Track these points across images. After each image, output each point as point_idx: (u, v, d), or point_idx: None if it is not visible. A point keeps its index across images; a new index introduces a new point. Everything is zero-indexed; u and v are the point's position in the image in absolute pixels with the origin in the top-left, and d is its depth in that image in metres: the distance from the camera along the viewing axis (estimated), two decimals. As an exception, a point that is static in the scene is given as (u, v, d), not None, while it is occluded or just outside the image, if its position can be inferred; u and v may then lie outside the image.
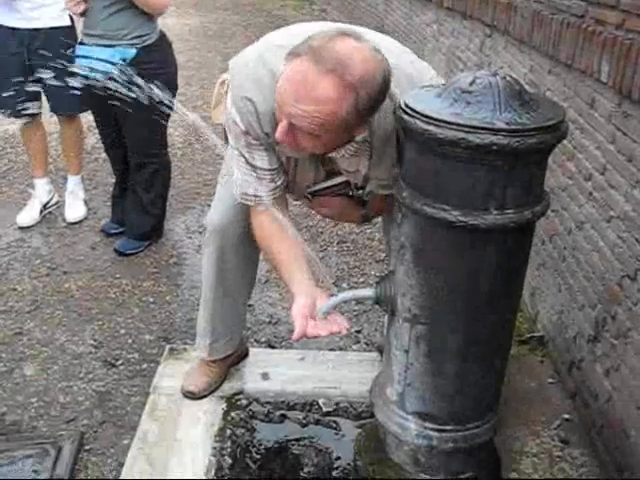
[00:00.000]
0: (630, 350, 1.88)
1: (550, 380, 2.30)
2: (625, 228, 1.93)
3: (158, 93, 3.05)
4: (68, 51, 3.13)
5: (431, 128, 1.36)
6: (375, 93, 1.44)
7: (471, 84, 1.41)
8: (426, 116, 1.38)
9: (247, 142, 1.68)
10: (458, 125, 1.34)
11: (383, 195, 1.80)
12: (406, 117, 1.42)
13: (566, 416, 2.13)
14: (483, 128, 1.33)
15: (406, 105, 1.45)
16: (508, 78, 1.43)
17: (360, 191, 1.80)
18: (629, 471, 1.84)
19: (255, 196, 1.74)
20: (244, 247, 2.02)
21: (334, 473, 2.05)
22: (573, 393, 2.22)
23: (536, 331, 2.63)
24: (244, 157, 1.71)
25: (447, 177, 1.42)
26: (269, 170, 1.72)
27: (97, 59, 2.95)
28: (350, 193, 1.83)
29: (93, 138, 4.46)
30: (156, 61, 3.01)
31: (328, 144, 1.55)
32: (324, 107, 1.41)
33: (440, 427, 1.69)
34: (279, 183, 1.75)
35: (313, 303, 1.60)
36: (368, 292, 1.69)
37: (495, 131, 1.33)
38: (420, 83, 1.59)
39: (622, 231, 1.95)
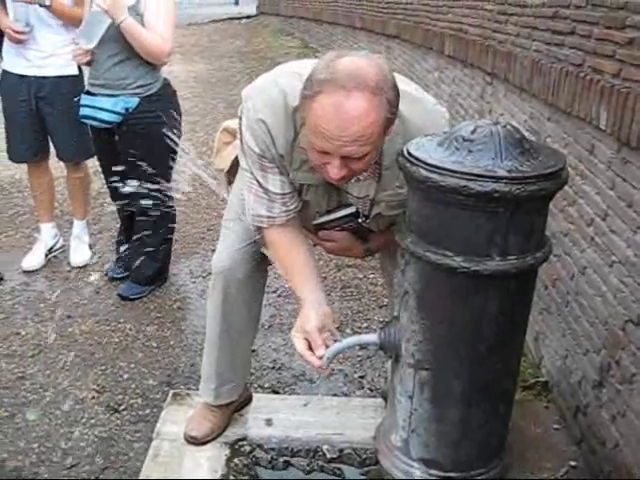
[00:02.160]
0: (636, 396, 1.87)
1: (555, 426, 2.28)
2: (627, 273, 1.94)
3: (161, 140, 3.13)
4: (76, 99, 3.20)
5: (433, 176, 1.39)
6: (394, 86, 1.49)
7: (472, 133, 1.44)
8: (428, 164, 1.41)
9: (261, 166, 1.72)
10: (460, 173, 1.37)
11: (384, 229, 1.84)
12: (409, 165, 1.45)
13: (573, 463, 2.10)
14: (485, 176, 1.36)
15: (409, 153, 1.48)
16: (509, 127, 1.47)
17: (367, 220, 1.82)
18: (637, 520, 1.82)
19: (268, 217, 1.79)
20: (249, 289, 2.06)
21: (338, 521, 2.03)
22: (579, 439, 2.20)
23: (540, 376, 2.62)
24: (257, 180, 1.76)
25: (450, 224, 1.44)
26: (281, 194, 1.76)
27: (100, 108, 3.01)
28: (355, 225, 1.85)
29: (99, 183, 4.50)
30: (159, 110, 3.06)
31: (372, 157, 1.57)
32: (366, 121, 1.45)
33: (445, 474, 1.67)
34: (291, 207, 1.79)
35: (322, 322, 1.70)
36: (372, 338, 1.70)
37: (496, 179, 1.36)
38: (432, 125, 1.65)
39: (624, 276, 1.96)
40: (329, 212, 1.84)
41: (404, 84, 1.60)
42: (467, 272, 1.42)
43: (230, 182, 2.15)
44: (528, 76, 2.78)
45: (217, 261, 2.06)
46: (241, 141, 1.76)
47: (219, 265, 2.05)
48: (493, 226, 1.41)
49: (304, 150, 1.64)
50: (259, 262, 2.01)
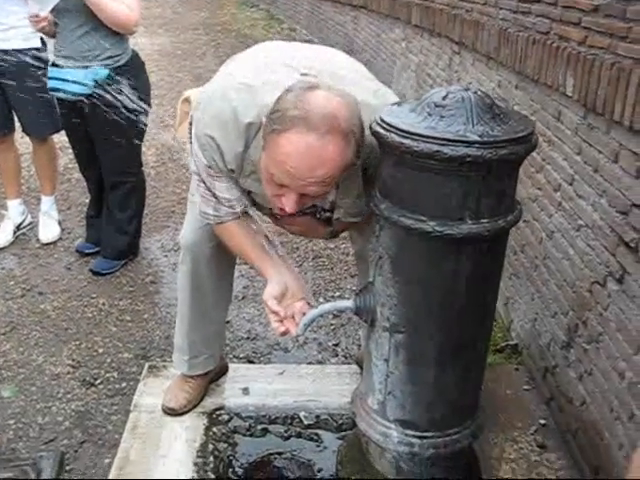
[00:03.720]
0: (602, 354, 1.93)
1: (525, 387, 2.35)
2: (594, 236, 1.99)
3: (131, 113, 3.10)
4: (39, 72, 3.14)
5: (406, 141, 1.41)
6: (361, 126, 1.51)
7: (444, 98, 1.46)
8: (401, 130, 1.42)
9: (208, 174, 1.71)
10: (432, 138, 1.39)
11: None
12: (382, 131, 1.47)
13: (542, 421, 2.18)
14: (457, 141, 1.38)
15: (382, 120, 1.49)
16: (479, 92, 1.49)
17: (328, 214, 1.83)
18: (604, 472, 1.89)
19: (215, 216, 1.79)
20: (217, 262, 2.07)
21: (317, 485, 2.07)
22: (548, 398, 2.27)
23: (510, 339, 2.68)
24: (204, 183, 1.74)
25: (423, 189, 1.46)
26: (228, 199, 1.75)
27: (69, 81, 2.96)
28: (318, 216, 1.86)
29: (66, 158, 4.46)
30: (129, 81, 3.02)
31: (328, 191, 1.59)
32: (334, 163, 1.46)
33: (421, 434, 1.72)
34: (238, 210, 1.78)
35: (281, 291, 1.69)
36: (347, 303, 1.72)
37: (468, 143, 1.38)
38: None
39: (591, 239, 2.01)
40: None
41: (361, 90, 1.59)
42: (441, 235, 1.45)
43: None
44: (495, 44, 2.80)
45: (184, 236, 2.08)
46: (191, 144, 1.74)
47: (186, 240, 2.07)
48: (466, 190, 1.43)
49: (254, 163, 1.64)
50: None
